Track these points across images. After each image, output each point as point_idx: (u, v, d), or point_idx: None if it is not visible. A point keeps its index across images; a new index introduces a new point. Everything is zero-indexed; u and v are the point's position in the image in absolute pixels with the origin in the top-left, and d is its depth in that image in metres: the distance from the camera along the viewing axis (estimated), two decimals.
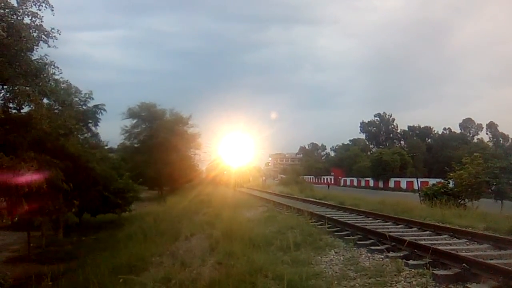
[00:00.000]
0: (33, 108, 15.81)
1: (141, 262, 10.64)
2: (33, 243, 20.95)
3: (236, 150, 41.99)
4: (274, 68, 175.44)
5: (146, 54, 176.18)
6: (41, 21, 15.13)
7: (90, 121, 30.88)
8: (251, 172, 49.44)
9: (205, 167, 70.16)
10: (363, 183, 76.37)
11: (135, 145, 50.52)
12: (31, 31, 14.85)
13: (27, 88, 15.24)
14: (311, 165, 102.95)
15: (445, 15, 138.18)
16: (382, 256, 7.55)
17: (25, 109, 17.34)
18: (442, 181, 23.67)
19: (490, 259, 6.86)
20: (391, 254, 7.59)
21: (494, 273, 5.70)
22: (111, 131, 50.81)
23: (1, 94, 16.26)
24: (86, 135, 30.09)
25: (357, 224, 10.97)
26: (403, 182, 62.42)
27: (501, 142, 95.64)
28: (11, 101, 16.66)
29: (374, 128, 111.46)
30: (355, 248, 8.41)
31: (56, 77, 17.00)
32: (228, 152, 43.37)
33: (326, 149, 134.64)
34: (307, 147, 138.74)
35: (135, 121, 49.91)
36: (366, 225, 10.89)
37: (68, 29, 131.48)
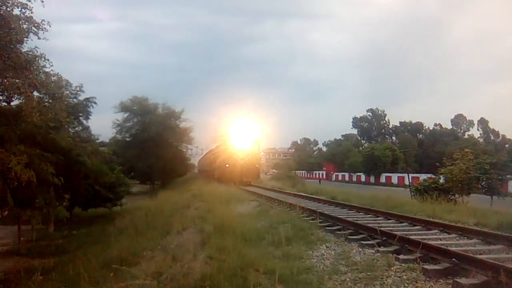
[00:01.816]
0: (23, 101, 15.65)
1: (132, 256, 10.60)
2: (23, 237, 20.84)
3: (238, 138, 34.00)
4: (268, 62, 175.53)
5: (140, 46, 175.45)
6: (31, 13, 14.95)
7: (81, 114, 30.68)
8: (257, 162, 36.65)
9: (198, 161, 69.86)
10: (354, 178, 76.73)
11: (127, 139, 50.41)
12: (20, 22, 14.66)
13: (17, 80, 15.07)
14: (303, 160, 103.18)
15: (439, 11, 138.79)
16: (373, 251, 7.59)
17: (15, 102, 17.20)
18: (433, 176, 23.83)
19: (480, 254, 6.92)
20: (381, 248, 7.62)
21: (483, 267, 5.76)
22: (103, 125, 50.40)
23: None
24: (77, 128, 29.89)
25: (348, 219, 11.01)
26: (394, 177, 62.79)
27: (492, 138, 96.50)
28: (0, 94, 16.50)
29: (366, 124, 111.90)
30: (346, 243, 8.45)
31: (47, 69, 16.84)
32: (229, 141, 34.87)
33: (318, 144, 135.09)
34: (299, 142, 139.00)
35: (126, 115, 49.85)
36: (357, 220, 10.93)
37: (61, 21, 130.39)
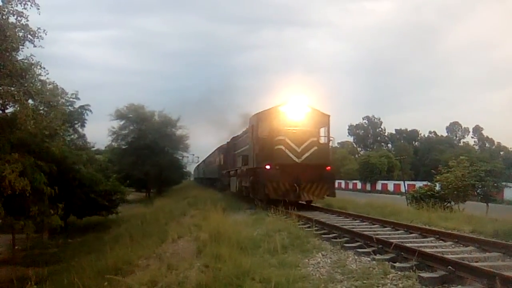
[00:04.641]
0: (18, 108, 15.63)
1: (127, 265, 10.55)
2: (17, 246, 20.67)
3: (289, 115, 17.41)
4: (265, 70, 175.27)
5: (136, 54, 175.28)
6: (27, 20, 14.99)
7: (76, 122, 30.63)
8: (328, 158, 18.08)
9: (196, 167, 69.45)
10: (350, 186, 76.65)
11: (123, 147, 50.29)
12: (16, 30, 14.68)
13: (12, 88, 15.06)
14: None
15: (435, 19, 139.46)
16: (369, 259, 7.56)
17: (10, 110, 17.16)
18: (429, 184, 23.90)
19: (475, 262, 6.92)
20: (377, 256, 7.60)
21: (479, 275, 5.76)
22: (99, 132, 50.27)
23: None
24: (72, 136, 29.82)
25: (344, 226, 10.99)
26: (390, 185, 62.78)
27: (487, 145, 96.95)
28: None
29: (362, 131, 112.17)
30: (342, 251, 8.43)
31: (42, 77, 16.85)
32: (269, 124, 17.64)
33: None
34: None
35: (122, 122, 49.73)
36: (353, 228, 10.92)
37: (58, 29, 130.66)
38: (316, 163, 16.87)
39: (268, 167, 16.70)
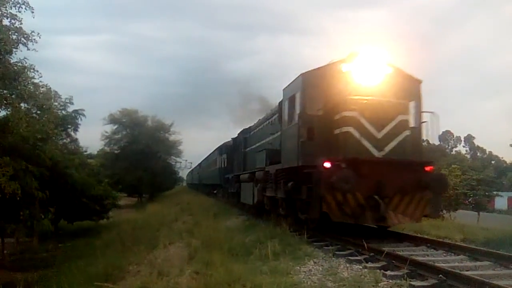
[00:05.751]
0: (10, 112, 15.54)
1: (118, 271, 10.47)
2: (7, 250, 20.45)
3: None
4: (260, 76, 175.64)
5: (131, 59, 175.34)
6: (21, 23, 14.95)
7: (69, 126, 30.44)
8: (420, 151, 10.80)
9: (189, 172, 68.92)
10: None
11: (115, 152, 50.09)
12: (10, 33, 14.63)
13: (5, 91, 14.98)
14: None
15: (429, 28, 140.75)
16: (361, 267, 7.54)
17: (2, 113, 17.04)
18: None
19: (466, 270, 6.93)
20: (369, 264, 7.59)
21: (470, 284, 5.77)
22: (92, 136, 50.09)
23: None
24: (65, 140, 29.64)
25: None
26: None
27: (478, 154, 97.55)
28: None
29: None
30: (334, 258, 8.39)
31: (36, 81, 16.76)
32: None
33: None
34: None
35: (115, 127, 49.64)
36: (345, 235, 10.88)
37: (53, 33, 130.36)
38: (409, 159, 10.05)
39: (327, 165, 9.43)
